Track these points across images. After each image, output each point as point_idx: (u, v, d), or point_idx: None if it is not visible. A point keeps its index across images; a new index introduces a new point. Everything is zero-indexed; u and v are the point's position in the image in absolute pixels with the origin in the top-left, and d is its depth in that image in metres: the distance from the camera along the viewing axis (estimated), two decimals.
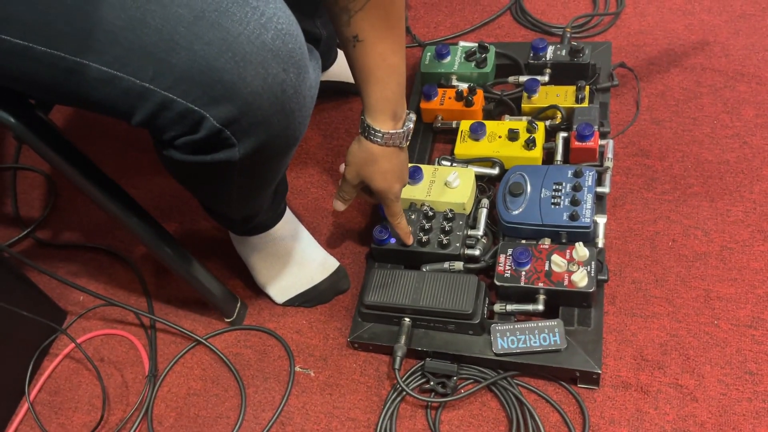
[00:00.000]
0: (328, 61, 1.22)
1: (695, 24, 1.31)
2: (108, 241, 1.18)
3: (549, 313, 0.92)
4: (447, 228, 0.98)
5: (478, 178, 1.07)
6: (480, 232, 0.99)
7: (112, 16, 0.57)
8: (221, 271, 1.10)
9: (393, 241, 0.99)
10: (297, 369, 0.98)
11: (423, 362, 0.93)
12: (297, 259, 1.02)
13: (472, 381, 0.92)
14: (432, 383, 0.92)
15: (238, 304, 1.03)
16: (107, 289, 1.12)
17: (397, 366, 0.90)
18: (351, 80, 1.28)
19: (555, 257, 0.91)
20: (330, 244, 1.12)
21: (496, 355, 0.89)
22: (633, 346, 0.93)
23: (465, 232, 0.99)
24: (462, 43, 1.24)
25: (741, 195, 1.06)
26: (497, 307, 0.93)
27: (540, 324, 0.90)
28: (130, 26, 0.58)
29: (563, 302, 0.92)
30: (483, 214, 1.01)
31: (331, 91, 1.30)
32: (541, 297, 0.91)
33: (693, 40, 1.28)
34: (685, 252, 1.01)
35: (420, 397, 0.91)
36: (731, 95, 1.18)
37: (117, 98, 0.61)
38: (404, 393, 0.92)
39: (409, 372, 0.94)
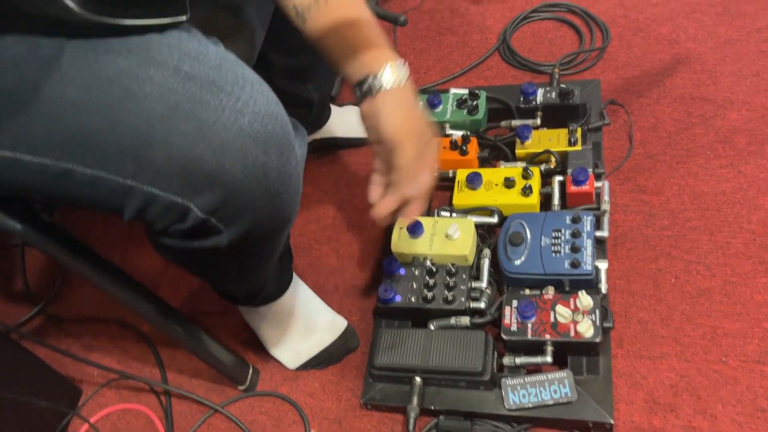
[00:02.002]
0: (321, 121, 1.24)
1: (682, 53, 1.32)
2: (119, 312, 1.20)
3: (558, 361, 0.93)
4: (451, 283, 0.99)
5: (478, 226, 1.08)
6: (484, 283, 1.00)
7: (88, 119, 0.60)
8: (230, 336, 1.11)
9: (399, 299, 1.00)
10: None
11: (437, 420, 0.94)
12: (306, 325, 1.03)
13: None
14: None
15: (250, 371, 1.04)
16: (121, 361, 1.13)
17: (411, 428, 0.91)
18: (346, 135, 1.30)
19: (559, 308, 0.92)
20: (336, 301, 1.13)
21: (509, 410, 0.90)
22: (644, 389, 0.94)
23: (469, 285, 1.00)
24: (453, 90, 1.26)
25: (740, 226, 1.07)
26: (506, 360, 0.94)
27: (550, 376, 0.90)
28: (107, 127, 0.60)
29: (571, 352, 0.93)
30: (485, 264, 1.03)
31: (327, 148, 1.32)
32: (549, 348, 0.92)
33: (681, 70, 1.30)
34: (688, 288, 1.02)
35: None
36: (722, 124, 1.20)
37: (105, 198, 0.64)
38: None
39: (424, 430, 0.94)
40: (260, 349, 1.08)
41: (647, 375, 0.95)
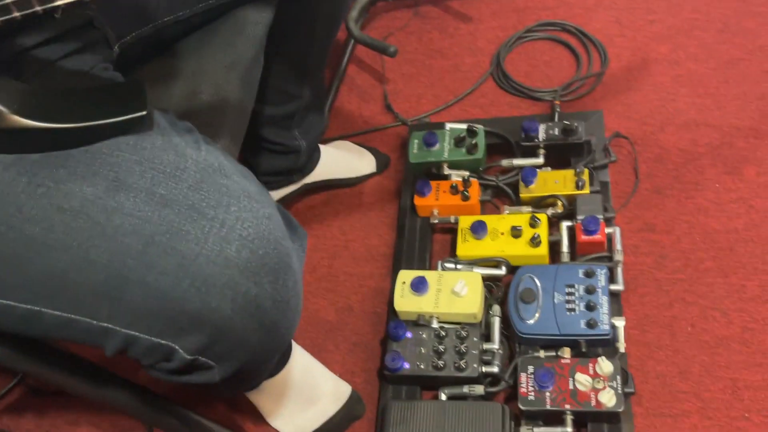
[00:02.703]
0: (310, 165, 1.17)
1: (683, 75, 1.27)
2: None
3: (576, 424, 0.89)
4: (462, 348, 0.94)
5: (485, 278, 1.03)
6: (496, 345, 0.96)
7: (53, 258, 0.53)
8: (226, 405, 1.05)
9: (407, 366, 0.95)
10: None
11: None
12: (308, 396, 0.97)
13: None
14: None
15: None
16: None
17: None
18: (337, 176, 1.24)
19: (579, 375, 0.88)
20: (337, 361, 1.07)
21: None
22: None
23: (480, 347, 0.95)
24: (449, 126, 1.19)
25: (754, 267, 1.03)
26: (524, 430, 0.90)
27: None
28: (75, 268, 0.53)
29: (592, 419, 0.89)
30: (497, 324, 0.97)
31: (318, 189, 1.25)
32: (569, 418, 0.87)
33: (683, 94, 1.25)
34: (705, 337, 0.98)
35: None
36: (730, 153, 1.15)
37: (81, 337, 0.57)
38: None
39: None
40: (260, 418, 1.02)
41: None
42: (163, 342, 0.56)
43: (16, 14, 0.47)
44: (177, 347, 0.56)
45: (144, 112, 0.55)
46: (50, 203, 0.52)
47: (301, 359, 0.98)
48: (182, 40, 0.79)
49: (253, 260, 0.55)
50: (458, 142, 1.15)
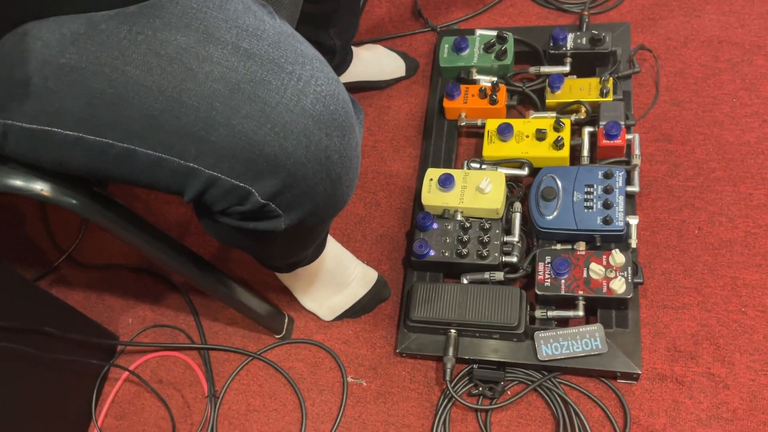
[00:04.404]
0: (344, 66, 1.21)
1: None
2: (147, 260, 1.20)
3: (586, 313, 0.97)
4: (484, 239, 1.01)
5: (507, 178, 1.09)
6: (516, 238, 1.03)
7: (150, 100, 0.58)
8: (263, 284, 1.13)
9: (433, 254, 1.02)
10: (349, 380, 1.04)
11: (470, 368, 0.99)
12: (339, 280, 1.05)
13: (517, 383, 0.98)
14: (480, 388, 0.98)
15: (286, 320, 1.07)
16: (154, 309, 1.15)
17: (448, 378, 0.96)
18: (368, 78, 1.28)
19: (593, 265, 0.95)
20: (365, 251, 1.15)
21: (541, 361, 0.95)
22: (666, 338, 0.99)
23: (502, 239, 1.02)
24: (479, 32, 1.23)
25: (763, 177, 1.09)
26: (538, 313, 0.98)
27: (581, 329, 0.95)
28: (169, 108, 0.58)
29: (602, 306, 0.97)
30: (517, 219, 1.04)
31: (350, 91, 1.29)
32: (581, 303, 0.95)
33: (708, 11, 1.27)
34: (711, 240, 1.05)
35: (471, 405, 0.97)
36: (749, 70, 1.19)
37: (166, 179, 0.63)
38: (455, 399, 0.98)
39: (457, 377, 0.99)
40: (294, 297, 1.11)
41: (670, 324, 1.00)
42: (241, 184, 0.61)
43: None
44: (253, 190, 0.61)
45: None
46: (149, 48, 0.56)
47: (332, 247, 1.05)
48: None
49: (325, 114, 0.60)
50: (488, 48, 1.19)
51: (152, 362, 1.10)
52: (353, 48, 1.25)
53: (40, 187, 0.68)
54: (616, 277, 0.94)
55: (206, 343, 1.10)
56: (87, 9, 0.57)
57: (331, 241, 1.06)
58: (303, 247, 0.82)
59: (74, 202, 0.71)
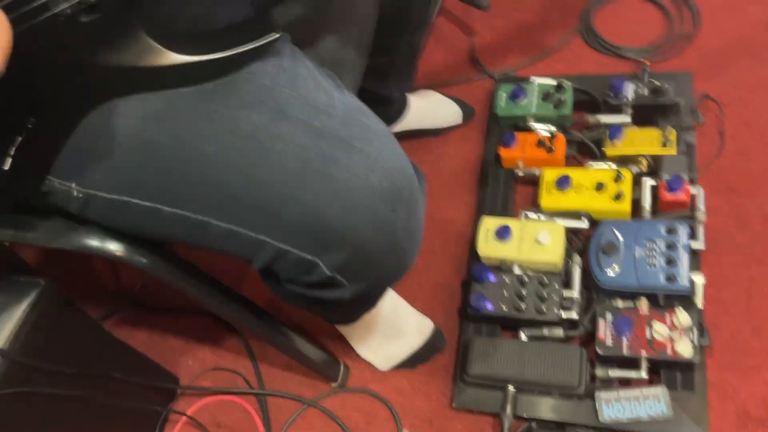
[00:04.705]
0: (399, 115, 1.22)
1: None
2: None
3: (651, 372, 0.94)
4: (543, 294, 1.00)
5: (566, 230, 1.07)
6: (575, 293, 1.01)
7: (225, 176, 0.60)
8: (319, 330, 1.14)
9: (490, 307, 1.02)
10: None
11: (528, 425, 0.97)
12: (396, 330, 1.05)
13: None
14: None
15: (342, 368, 1.08)
16: (214, 351, 1.17)
17: None
18: (423, 126, 1.29)
19: (656, 325, 0.93)
20: (420, 300, 1.14)
21: (603, 424, 0.92)
22: (735, 402, 0.95)
23: (561, 294, 1.00)
24: (537, 80, 1.22)
25: None
26: (599, 372, 0.96)
27: (645, 391, 0.92)
28: (243, 184, 0.60)
29: (666, 367, 0.94)
30: (577, 273, 1.03)
31: (404, 137, 1.30)
32: (644, 364, 0.93)
33: None
34: None
35: None
36: None
37: (237, 249, 0.65)
38: None
39: None
40: (350, 344, 1.11)
41: (738, 387, 0.96)
42: (309, 257, 0.63)
43: None
44: (320, 262, 0.63)
45: (277, 35, 0.61)
46: (224, 126, 0.59)
47: (389, 297, 1.06)
48: None
49: (392, 190, 0.62)
50: (546, 96, 1.19)
51: (211, 406, 1.12)
52: (409, 96, 1.26)
53: (115, 247, 0.71)
54: (681, 338, 0.92)
55: (263, 388, 1.11)
56: (167, 87, 0.59)
57: (389, 290, 1.06)
58: (365, 309, 0.83)
59: (145, 261, 0.73)
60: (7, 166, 0.57)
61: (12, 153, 0.56)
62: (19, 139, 0.56)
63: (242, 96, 0.60)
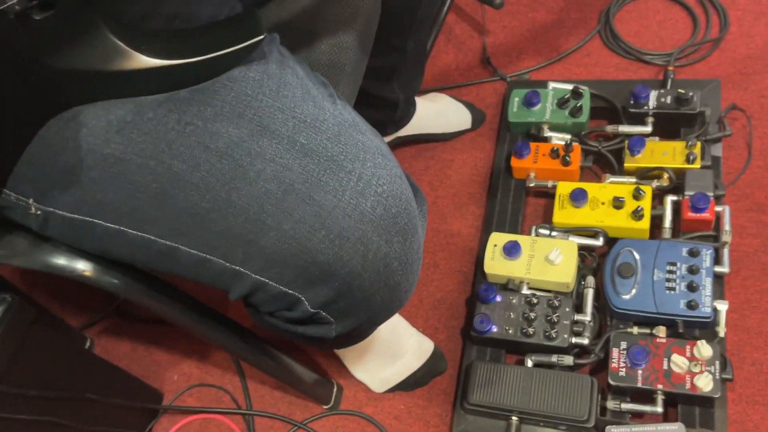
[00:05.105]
0: (406, 119, 1.15)
1: None
2: None
3: (665, 406, 0.87)
4: (553, 318, 0.93)
5: (580, 248, 1.00)
6: (587, 317, 0.94)
7: (197, 197, 0.54)
8: (311, 350, 1.08)
9: (495, 330, 0.95)
10: None
11: None
12: (393, 351, 0.98)
13: None
14: None
15: (335, 389, 1.01)
16: (200, 367, 1.11)
17: None
18: (430, 131, 1.22)
19: (675, 357, 0.86)
20: (421, 317, 1.08)
21: None
22: None
23: (572, 318, 0.93)
24: (552, 85, 1.15)
25: None
26: (611, 404, 0.89)
27: (660, 427, 0.85)
28: (216, 208, 0.54)
29: (684, 402, 0.87)
30: (589, 295, 0.96)
31: (409, 142, 1.23)
32: (660, 398, 0.86)
33: None
34: None
35: None
36: None
37: (211, 278, 0.59)
38: None
39: None
40: (344, 364, 1.05)
41: (760, 424, 0.89)
42: (290, 291, 0.56)
43: None
44: (303, 298, 0.57)
45: (261, 37, 0.54)
46: (197, 141, 0.52)
47: None
48: None
49: (386, 218, 0.55)
50: (561, 103, 1.11)
51: (195, 424, 1.06)
52: (417, 98, 1.19)
53: (83, 267, 0.64)
54: (701, 372, 0.84)
55: (251, 407, 1.05)
56: (136, 93, 0.52)
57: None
58: (354, 343, 0.76)
59: (116, 282, 0.67)
60: None
61: None
62: None
63: (220, 107, 0.53)
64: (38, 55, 0.48)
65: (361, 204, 0.53)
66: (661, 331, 0.90)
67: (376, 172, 0.55)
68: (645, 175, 1.03)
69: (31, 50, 0.48)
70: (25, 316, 0.76)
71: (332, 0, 0.75)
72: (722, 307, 0.90)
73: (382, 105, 1.08)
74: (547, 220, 1.07)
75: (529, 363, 0.94)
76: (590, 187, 1.02)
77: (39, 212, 0.56)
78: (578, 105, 1.10)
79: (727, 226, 0.95)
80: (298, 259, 0.54)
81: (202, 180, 0.52)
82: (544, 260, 0.97)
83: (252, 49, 0.54)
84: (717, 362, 0.85)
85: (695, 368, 0.85)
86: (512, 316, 0.95)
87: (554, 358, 0.92)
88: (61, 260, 0.64)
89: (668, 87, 1.09)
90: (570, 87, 1.12)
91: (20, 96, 0.51)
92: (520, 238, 1.00)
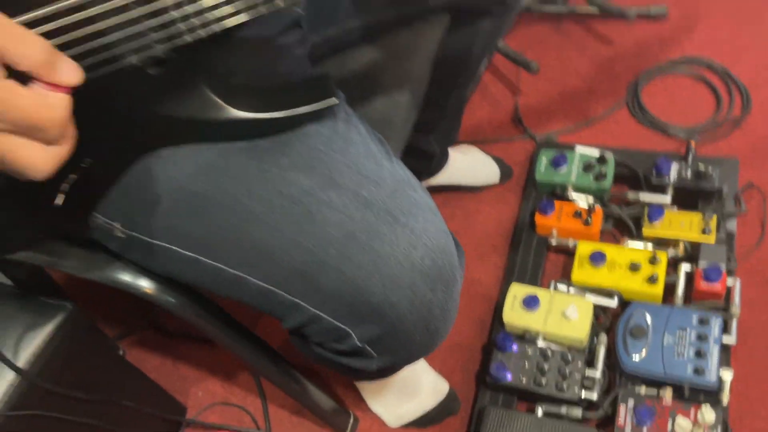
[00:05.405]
0: (438, 169, 1.22)
1: None
2: None
3: None
4: (565, 371, 0.98)
5: (595, 307, 1.05)
6: (598, 373, 0.99)
7: (268, 236, 0.60)
8: (333, 377, 1.13)
9: (510, 377, 1.00)
10: None
11: None
12: (411, 389, 1.04)
13: None
14: None
15: (351, 420, 1.06)
16: (224, 386, 1.16)
17: None
18: (460, 182, 1.28)
19: (680, 419, 0.90)
20: (438, 358, 1.13)
21: None
22: None
23: (583, 373, 0.98)
24: (579, 149, 1.22)
25: None
26: None
27: None
28: (285, 246, 0.60)
29: None
30: (601, 352, 1.01)
31: (438, 190, 1.30)
32: None
33: None
34: None
35: None
36: None
37: (270, 307, 0.65)
38: None
39: None
40: (361, 395, 1.10)
41: None
42: (342, 326, 0.62)
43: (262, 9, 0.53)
44: (353, 333, 0.63)
45: (337, 101, 0.62)
46: (274, 187, 0.59)
47: None
48: (360, 46, 0.85)
49: (433, 268, 0.61)
50: (587, 167, 1.18)
51: None
52: (450, 150, 1.26)
53: (146, 285, 0.71)
54: None
55: (270, 429, 1.10)
56: (222, 140, 0.60)
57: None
58: (385, 376, 0.82)
59: (173, 301, 0.73)
60: (60, 202, 0.57)
61: (65, 190, 0.57)
62: (74, 177, 0.57)
63: (295, 158, 0.60)
64: (147, 104, 0.55)
65: (412, 254, 0.60)
66: (667, 393, 0.95)
67: (427, 227, 0.61)
68: (662, 243, 1.09)
69: (142, 99, 0.55)
70: (81, 324, 0.83)
71: (388, 62, 0.83)
72: (727, 376, 0.95)
73: (419, 155, 1.15)
74: (566, 275, 1.12)
75: (539, 412, 0.98)
76: (609, 250, 1.08)
77: (123, 236, 0.63)
78: (603, 170, 1.16)
79: (737, 298, 1.01)
80: (353, 298, 0.60)
81: (274, 221, 0.59)
82: (560, 315, 1.02)
83: (327, 109, 0.61)
84: (719, 427, 0.89)
85: (698, 431, 0.89)
86: (527, 366, 1.00)
87: (563, 410, 0.97)
88: (127, 277, 0.71)
89: (689, 161, 1.15)
90: (596, 152, 1.19)
91: (125, 135, 0.58)
92: (539, 292, 1.05)
